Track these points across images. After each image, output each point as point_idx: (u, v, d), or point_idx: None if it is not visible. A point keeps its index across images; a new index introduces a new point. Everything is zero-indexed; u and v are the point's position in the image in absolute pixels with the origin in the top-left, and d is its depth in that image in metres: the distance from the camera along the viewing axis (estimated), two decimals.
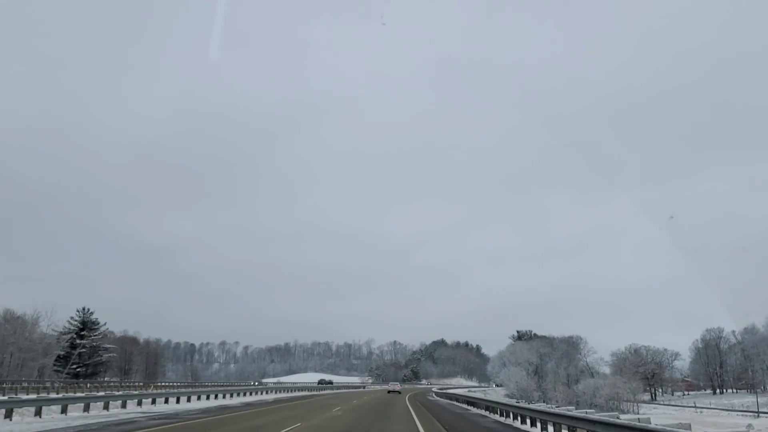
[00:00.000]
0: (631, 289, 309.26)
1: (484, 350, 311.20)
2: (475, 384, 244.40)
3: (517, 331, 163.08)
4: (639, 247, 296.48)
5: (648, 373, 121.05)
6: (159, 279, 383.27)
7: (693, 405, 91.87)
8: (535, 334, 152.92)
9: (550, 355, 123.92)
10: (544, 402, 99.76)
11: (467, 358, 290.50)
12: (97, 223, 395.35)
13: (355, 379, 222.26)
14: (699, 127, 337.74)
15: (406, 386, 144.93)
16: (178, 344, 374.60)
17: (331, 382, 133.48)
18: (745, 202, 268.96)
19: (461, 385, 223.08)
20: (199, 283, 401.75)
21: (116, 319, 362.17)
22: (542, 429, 22.81)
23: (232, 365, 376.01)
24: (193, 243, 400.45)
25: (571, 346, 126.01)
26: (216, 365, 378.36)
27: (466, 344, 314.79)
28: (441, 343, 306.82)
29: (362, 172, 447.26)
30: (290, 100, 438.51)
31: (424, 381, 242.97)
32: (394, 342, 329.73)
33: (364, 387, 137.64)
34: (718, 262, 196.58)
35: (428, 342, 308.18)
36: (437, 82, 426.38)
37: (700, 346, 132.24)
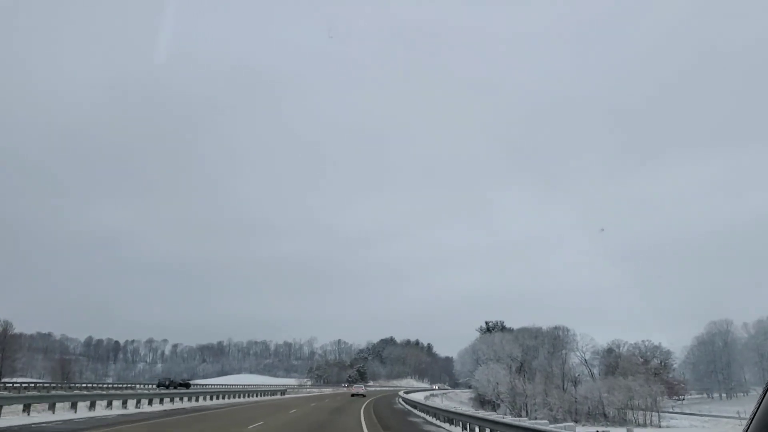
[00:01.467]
0: (588, 286, 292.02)
1: (436, 349, 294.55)
2: (427, 386, 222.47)
3: (486, 323, 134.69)
4: (589, 248, 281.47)
5: (650, 372, 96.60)
6: (83, 272, 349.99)
7: (736, 415, 68.91)
8: (504, 326, 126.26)
9: (536, 350, 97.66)
10: (535, 411, 75.66)
11: (418, 358, 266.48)
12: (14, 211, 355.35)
13: (291, 381, 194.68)
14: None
15: (342, 390, 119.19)
16: (100, 341, 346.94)
17: (186, 385, 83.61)
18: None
19: (413, 387, 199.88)
20: (127, 278, 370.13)
21: (28, 316, 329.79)
22: None
23: (159, 365, 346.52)
24: (123, 234, 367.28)
25: (557, 339, 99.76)
26: (141, 365, 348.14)
27: (417, 342, 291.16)
28: (390, 342, 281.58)
29: (310, 165, 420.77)
30: (228, 84, 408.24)
31: (371, 382, 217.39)
32: (339, 341, 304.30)
33: (282, 393, 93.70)
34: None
35: (376, 341, 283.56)
36: (393, 79, 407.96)
37: (706, 340, 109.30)
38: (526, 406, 76.89)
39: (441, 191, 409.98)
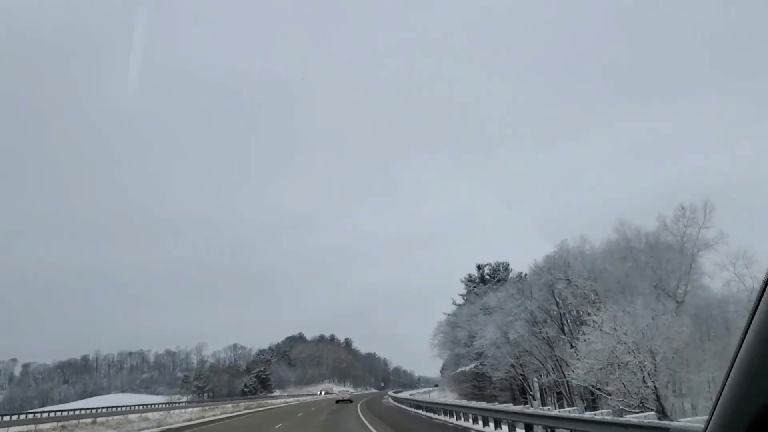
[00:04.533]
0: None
1: (356, 345, 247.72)
2: (350, 390, 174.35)
3: (478, 267, 78.13)
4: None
5: None
6: None
7: None
8: (508, 267, 71.83)
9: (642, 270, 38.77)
10: None
11: (337, 355, 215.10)
12: None
13: (159, 399, 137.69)
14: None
15: (226, 411, 66.04)
16: None
17: None
18: None
19: (330, 390, 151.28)
20: None
21: None
22: None
23: (6, 391, 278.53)
24: None
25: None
26: None
27: (332, 338, 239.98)
28: (299, 339, 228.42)
29: (202, 148, 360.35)
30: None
31: (277, 392, 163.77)
32: (235, 345, 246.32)
33: None
34: None
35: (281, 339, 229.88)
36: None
37: None
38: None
39: (347, 174, 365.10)
